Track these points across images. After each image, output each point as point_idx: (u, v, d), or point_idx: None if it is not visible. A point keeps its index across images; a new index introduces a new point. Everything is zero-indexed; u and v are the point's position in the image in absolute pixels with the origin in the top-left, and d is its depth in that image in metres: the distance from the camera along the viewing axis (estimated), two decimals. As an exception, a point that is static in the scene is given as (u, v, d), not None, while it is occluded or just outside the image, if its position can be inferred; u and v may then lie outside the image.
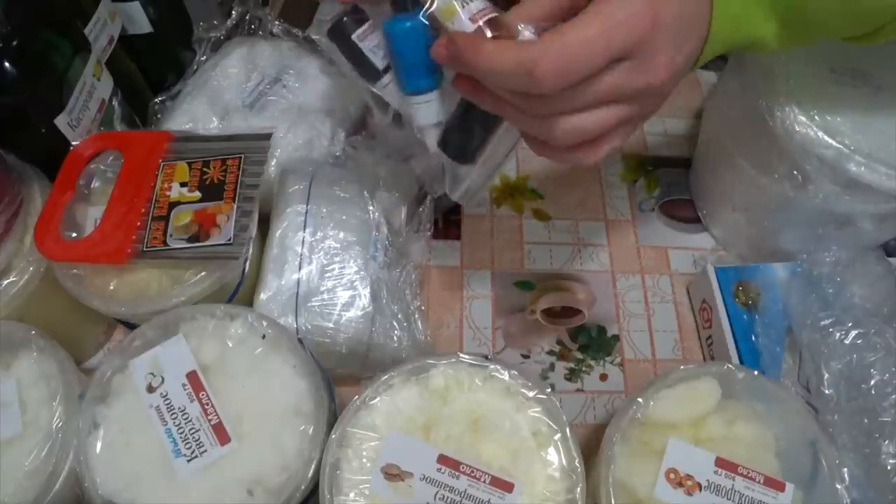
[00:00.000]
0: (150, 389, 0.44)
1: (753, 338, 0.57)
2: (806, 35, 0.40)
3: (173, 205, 0.51)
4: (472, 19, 0.36)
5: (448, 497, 0.41)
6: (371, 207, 0.57)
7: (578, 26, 0.32)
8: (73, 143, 0.54)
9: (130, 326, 0.53)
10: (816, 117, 0.52)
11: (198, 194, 0.52)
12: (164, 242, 0.49)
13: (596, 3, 0.33)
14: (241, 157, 0.53)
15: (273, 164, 0.60)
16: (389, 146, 0.64)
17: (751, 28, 0.38)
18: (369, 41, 0.44)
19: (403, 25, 0.39)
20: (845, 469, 0.44)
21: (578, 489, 0.42)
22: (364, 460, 0.43)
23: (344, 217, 0.56)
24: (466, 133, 0.43)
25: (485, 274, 0.67)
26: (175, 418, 0.43)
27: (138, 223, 0.50)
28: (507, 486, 0.41)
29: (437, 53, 0.37)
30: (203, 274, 0.50)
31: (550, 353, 0.62)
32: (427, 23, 0.38)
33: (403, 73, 0.41)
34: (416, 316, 0.56)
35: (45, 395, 0.45)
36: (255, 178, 0.53)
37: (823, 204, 0.54)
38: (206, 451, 0.42)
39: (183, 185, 0.52)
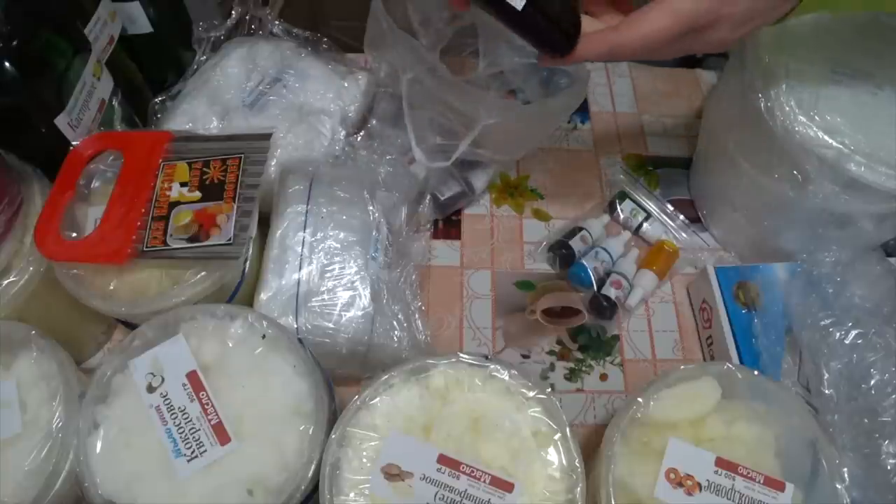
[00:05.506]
0: (150, 389, 0.44)
1: (753, 338, 0.57)
2: None
3: (173, 205, 0.51)
4: None
5: (448, 497, 0.41)
6: (371, 207, 0.57)
7: (653, 17, 0.41)
8: (73, 143, 0.54)
9: (130, 326, 0.53)
10: (816, 117, 0.52)
11: (198, 194, 0.52)
12: (164, 242, 0.49)
13: None
14: (241, 157, 0.53)
15: (273, 164, 0.60)
16: (389, 146, 0.64)
17: None
18: None
19: None
20: (845, 469, 0.44)
21: (578, 489, 0.42)
22: (364, 460, 0.43)
23: (344, 217, 0.56)
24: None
25: (485, 274, 0.67)
26: (175, 418, 0.43)
27: (138, 223, 0.50)
28: (507, 486, 0.41)
29: (543, 62, 0.47)
30: (203, 274, 0.50)
31: (550, 353, 0.62)
32: None
33: None
34: (416, 316, 0.56)
35: (45, 395, 0.45)
36: (255, 178, 0.53)
37: (823, 204, 0.54)
38: (206, 450, 0.42)
39: (183, 184, 0.52)
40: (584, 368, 0.62)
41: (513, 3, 0.40)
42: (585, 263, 0.64)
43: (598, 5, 0.47)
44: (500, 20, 0.42)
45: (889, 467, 0.46)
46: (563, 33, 0.44)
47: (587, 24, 0.45)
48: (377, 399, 0.45)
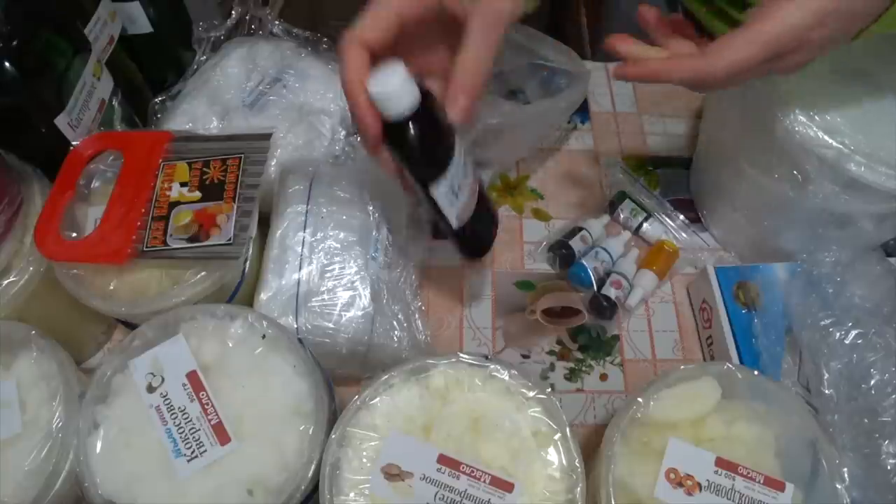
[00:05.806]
0: (150, 389, 0.44)
1: (753, 338, 0.57)
2: None
3: (173, 205, 0.51)
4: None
5: (448, 497, 0.41)
6: (371, 207, 0.57)
7: (739, 44, 0.41)
8: (73, 143, 0.54)
9: (130, 326, 0.53)
10: (816, 117, 0.52)
11: (198, 194, 0.52)
12: (164, 242, 0.49)
13: (754, 18, 0.41)
14: (241, 157, 0.53)
15: (273, 164, 0.60)
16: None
17: None
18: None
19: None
20: (845, 469, 0.44)
21: (578, 489, 0.42)
22: (364, 460, 0.43)
23: (344, 217, 0.56)
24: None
25: (485, 274, 0.67)
26: (175, 418, 0.43)
27: (138, 223, 0.50)
28: (507, 486, 0.41)
29: (622, 74, 0.45)
30: (203, 274, 0.50)
31: (550, 353, 0.62)
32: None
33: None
34: (416, 316, 0.56)
35: (45, 395, 0.45)
36: (255, 178, 0.53)
37: (823, 204, 0.54)
38: (206, 451, 0.42)
39: (183, 184, 0.52)
40: (584, 368, 0.62)
41: (450, 220, 0.47)
42: (585, 263, 0.64)
43: (665, 34, 0.47)
44: (437, 221, 0.49)
45: (889, 467, 0.46)
46: (482, 247, 0.55)
47: (654, 51, 0.46)
48: (377, 399, 0.45)
